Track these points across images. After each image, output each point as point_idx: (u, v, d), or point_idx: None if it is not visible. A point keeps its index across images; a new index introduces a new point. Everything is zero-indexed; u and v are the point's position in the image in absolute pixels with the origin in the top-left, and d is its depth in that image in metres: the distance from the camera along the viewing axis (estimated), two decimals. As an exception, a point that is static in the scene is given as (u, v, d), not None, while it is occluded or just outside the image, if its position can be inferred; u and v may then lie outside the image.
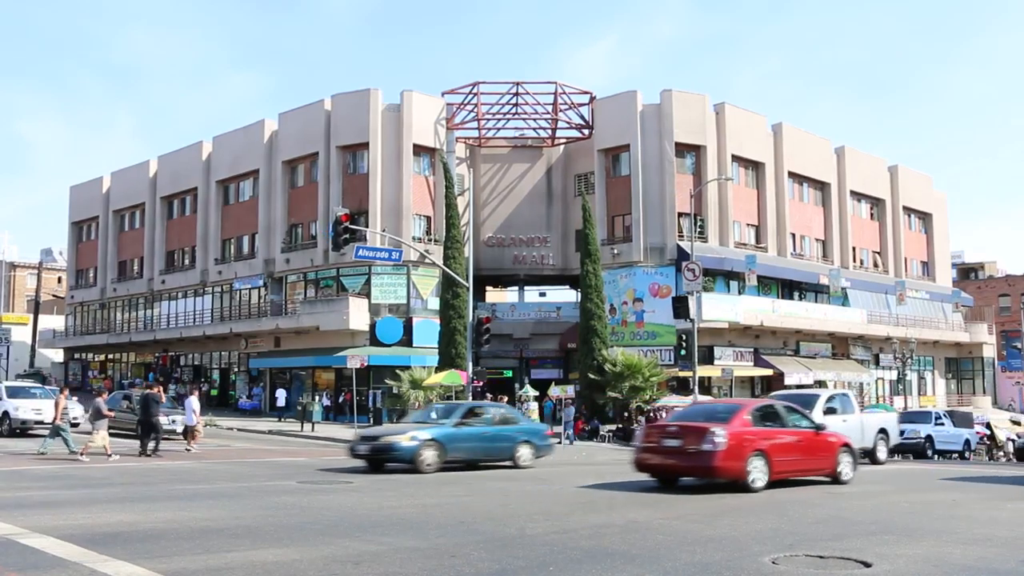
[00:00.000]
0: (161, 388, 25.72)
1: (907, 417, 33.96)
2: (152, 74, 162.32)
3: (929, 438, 31.65)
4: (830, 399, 22.60)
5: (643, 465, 15.63)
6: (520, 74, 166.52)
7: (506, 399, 36.48)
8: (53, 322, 68.02)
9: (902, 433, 31.40)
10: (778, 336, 47.28)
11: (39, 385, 35.99)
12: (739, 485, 14.39)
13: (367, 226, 42.26)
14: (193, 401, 25.43)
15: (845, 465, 16.57)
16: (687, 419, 16.17)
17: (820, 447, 16.27)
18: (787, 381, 44.64)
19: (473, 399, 31.35)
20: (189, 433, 24.92)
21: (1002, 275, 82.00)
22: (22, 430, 27.51)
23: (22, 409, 27.86)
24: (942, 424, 33.62)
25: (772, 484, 14.81)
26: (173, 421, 27.30)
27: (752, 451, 14.60)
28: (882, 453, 23.72)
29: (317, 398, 43.48)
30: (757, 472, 14.58)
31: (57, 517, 10.42)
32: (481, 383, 34.74)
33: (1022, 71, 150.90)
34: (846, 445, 16.83)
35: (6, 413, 27.86)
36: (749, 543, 9.25)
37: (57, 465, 18.82)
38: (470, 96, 48.60)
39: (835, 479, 16.38)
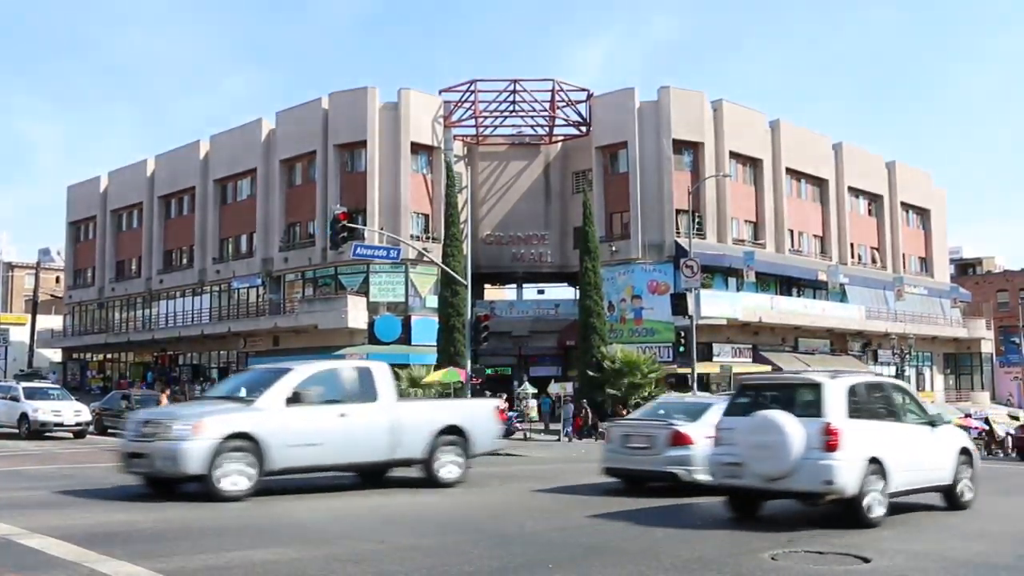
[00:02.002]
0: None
1: None
2: (149, 73, 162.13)
3: None
4: (308, 380, 13.37)
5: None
6: (518, 72, 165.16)
7: (505, 396, 36.49)
8: (51, 322, 67.87)
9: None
10: (777, 333, 47.28)
11: (56, 386, 35.39)
12: None
13: (365, 224, 42.20)
14: None
15: None
16: None
17: None
18: (786, 378, 44.60)
19: (472, 397, 31.33)
20: None
21: (1000, 271, 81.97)
22: (40, 432, 26.96)
23: (42, 411, 27.26)
24: None
25: None
26: None
27: None
28: (448, 470, 14.45)
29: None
30: None
31: (56, 517, 10.40)
32: (480, 381, 34.72)
33: (1022, 67, 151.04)
34: None
35: (25, 415, 27.26)
36: (748, 539, 9.26)
37: (54, 466, 18.79)
38: (468, 94, 48.53)
39: None
